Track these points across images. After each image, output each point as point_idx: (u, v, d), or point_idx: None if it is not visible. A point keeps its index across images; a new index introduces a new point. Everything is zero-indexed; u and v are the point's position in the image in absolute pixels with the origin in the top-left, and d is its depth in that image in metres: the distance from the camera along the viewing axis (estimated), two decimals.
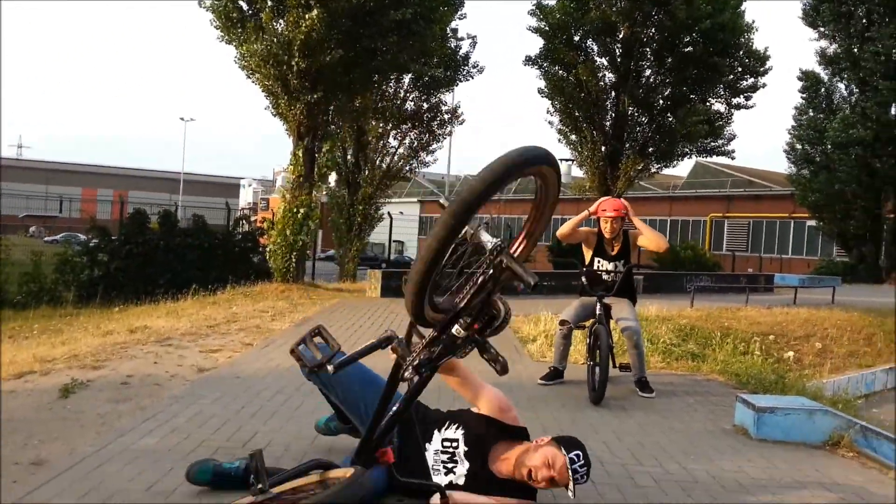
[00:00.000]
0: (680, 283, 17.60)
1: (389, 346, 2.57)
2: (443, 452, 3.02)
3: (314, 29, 12.59)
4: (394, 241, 26.36)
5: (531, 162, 2.23)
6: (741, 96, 22.25)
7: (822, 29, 29.67)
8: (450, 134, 24.54)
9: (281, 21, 13.35)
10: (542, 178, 2.39)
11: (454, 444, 3.00)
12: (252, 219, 22.99)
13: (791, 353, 9.81)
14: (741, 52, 21.48)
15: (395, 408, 2.70)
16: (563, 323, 5.85)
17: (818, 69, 30.07)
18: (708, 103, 21.94)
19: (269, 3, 13.37)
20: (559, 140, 23.26)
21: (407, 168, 23.83)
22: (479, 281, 2.34)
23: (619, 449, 4.23)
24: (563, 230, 5.85)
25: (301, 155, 13.91)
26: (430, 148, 23.67)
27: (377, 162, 22.77)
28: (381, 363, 2.85)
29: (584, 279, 5.95)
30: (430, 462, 3.03)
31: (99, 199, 52.67)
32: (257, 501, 2.45)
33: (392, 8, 13.26)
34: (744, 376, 6.55)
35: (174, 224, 17.71)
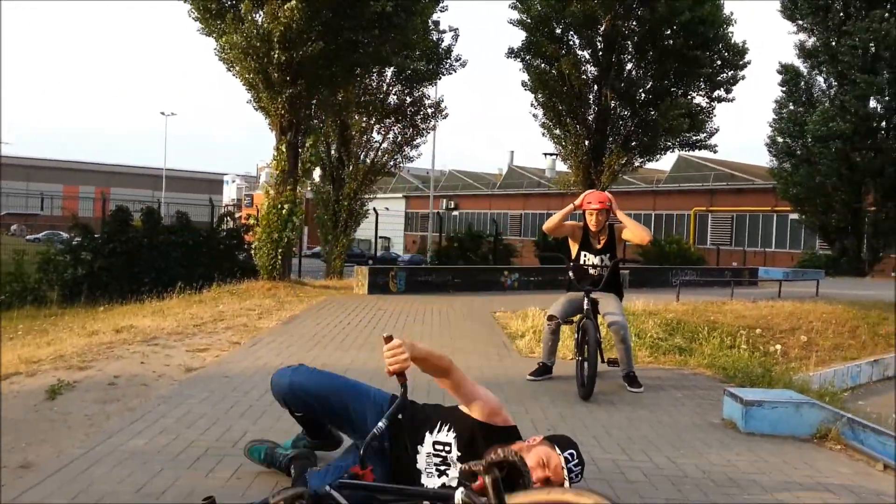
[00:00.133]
0: (665, 277, 17.71)
1: None
2: (435, 455, 2.99)
3: (294, 20, 12.50)
4: (380, 237, 26.36)
5: None
6: (721, 89, 22.40)
7: (800, 22, 29.86)
8: (433, 128, 24.52)
9: (260, 12, 13.25)
10: None
11: (446, 449, 2.98)
12: (237, 215, 22.87)
13: (778, 347, 9.90)
14: (720, 46, 21.62)
15: (380, 424, 2.65)
16: (550, 318, 5.87)
17: (797, 62, 30.31)
18: (689, 97, 22.06)
19: None
20: (543, 134, 23.32)
21: (391, 163, 23.74)
22: None
23: (608, 444, 4.25)
24: (548, 224, 5.87)
25: (284, 150, 13.82)
26: (414, 142, 23.61)
27: (361, 157, 22.68)
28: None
29: (570, 274, 5.96)
30: (423, 465, 3.00)
31: (81, 196, 52.09)
32: None
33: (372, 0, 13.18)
34: (731, 370, 6.59)
35: (158, 221, 17.58)
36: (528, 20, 21.67)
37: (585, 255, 5.90)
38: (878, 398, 9.61)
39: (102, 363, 5.80)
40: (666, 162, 45.83)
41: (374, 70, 20.25)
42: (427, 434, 3.02)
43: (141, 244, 16.36)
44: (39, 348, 6.81)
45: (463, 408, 3.08)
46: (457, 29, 22.33)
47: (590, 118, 22.11)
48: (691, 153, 30.19)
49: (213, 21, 13.61)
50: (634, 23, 21.25)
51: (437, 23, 21.74)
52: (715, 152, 24.50)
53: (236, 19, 13.12)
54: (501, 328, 8.90)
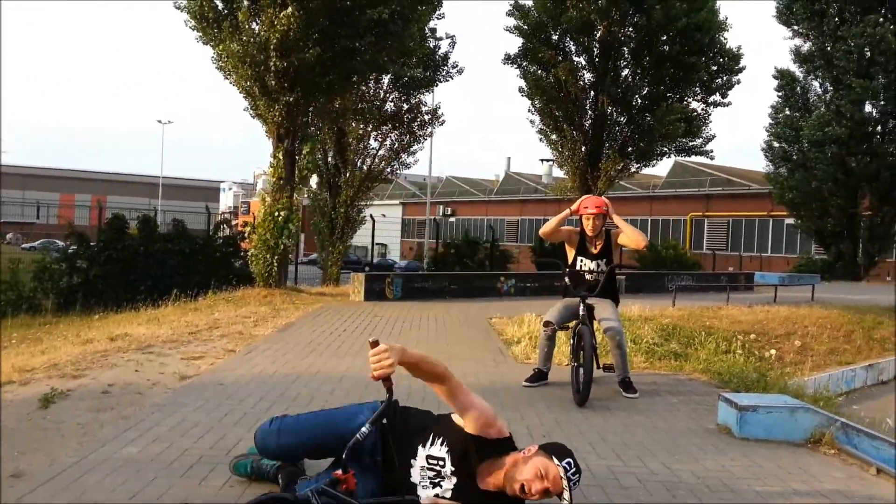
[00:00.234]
0: (661, 282, 17.74)
1: None
2: (429, 469, 2.97)
3: (290, 28, 12.54)
4: (377, 244, 26.34)
5: None
6: (717, 94, 22.49)
7: (795, 27, 30.01)
8: (430, 135, 24.55)
9: (257, 20, 13.27)
10: None
11: (440, 463, 2.96)
12: (233, 223, 22.87)
13: (773, 352, 9.90)
14: (715, 51, 21.72)
15: (363, 429, 2.64)
16: (546, 324, 5.87)
17: (793, 67, 30.42)
18: (685, 102, 22.14)
19: (246, 3, 13.28)
20: (540, 139, 23.37)
21: (388, 170, 23.78)
22: None
23: (603, 450, 4.25)
24: (545, 229, 5.88)
25: (281, 157, 13.82)
26: (411, 149, 23.65)
27: (358, 164, 22.71)
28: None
29: (567, 279, 5.96)
30: (417, 478, 2.98)
31: (77, 205, 52.16)
32: None
33: (369, 7, 13.21)
34: (726, 375, 6.59)
35: (154, 229, 17.56)
36: (525, 26, 21.76)
37: (582, 261, 5.90)
38: (873, 402, 9.62)
39: (96, 371, 5.79)
40: (662, 167, 46.06)
41: (371, 77, 20.29)
42: (420, 447, 3.00)
43: (137, 252, 16.33)
44: (33, 357, 6.79)
45: (456, 417, 3.04)
46: (453, 36, 22.42)
47: (586, 124, 22.19)
48: (687, 159, 30.24)
49: (210, 29, 13.63)
50: (630, 29, 21.34)
51: (433, 30, 21.81)
52: (711, 158, 24.60)
53: (233, 27, 13.14)
54: (497, 334, 8.90)
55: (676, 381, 6.52)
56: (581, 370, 5.35)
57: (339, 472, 2.45)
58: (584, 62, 22.00)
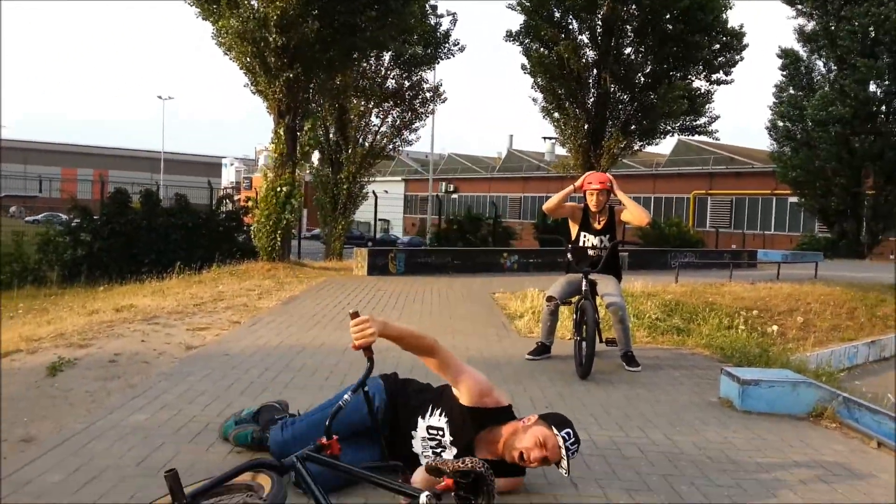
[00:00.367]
0: (664, 259, 17.75)
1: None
2: (430, 439, 3.04)
3: (290, 4, 12.44)
4: (379, 220, 26.35)
5: None
6: (720, 71, 22.35)
7: (799, 6, 29.82)
8: (432, 112, 24.51)
9: None
10: None
11: (440, 433, 3.02)
12: (235, 198, 22.87)
13: (775, 328, 9.93)
14: (718, 30, 21.55)
15: (345, 396, 2.65)
16: (549, 299, 5.89)
17: (797, 47, 30.25)
18: (688, 80, 22.01)
19: None
20: (543, 117, 23.26)
21: (390, 147, 23.78)
22: None
23: (606, 421, 4.28)
24: (548, 204, 5.88)
25: (282, 133, 13.80)
26: (413, 126, 23.66)
27: (360, 140, 22.69)
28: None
29: (569, 255, 5.98)
30: (419, 448, 3.06)
31: (79, 179, 52.04)
32: None
33: None
34: (728, 350, 6.62)
35: (156, 203, 17.59)
36: (527, 3, 21.53)
37: (585, 236, 5.91)
38: (875, 378, 9.67)
39: (103, 341, 5.83)
40: (666, 146, 45.88)
41: (372, 54, 20.20)
42: (420, 419, 3.06)
43: (140, 226, 16.38)
44: (40, 327, 6.83)
45: (454, 389, 3.07)
46: (455, 13, 22.34)
47: (589, 102, 22.04)
48: (691, 137, 30.16)
49: (210, 5, 13.53)
50: (634, 7, 21.14)
51: (434, 7, 21.67)
52: (716, 139, 24.52)
53: (232, 3, 13.05)
54: (500, 309, 8.93)
55: (679, 355, 6.55)
56: (584, 344, 5.37)
57: (324, 438, 2.48)
58: (586, 40, 21.80)
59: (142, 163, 73.03)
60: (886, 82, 27.53)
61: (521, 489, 3.09)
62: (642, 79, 21.86)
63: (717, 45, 21.91)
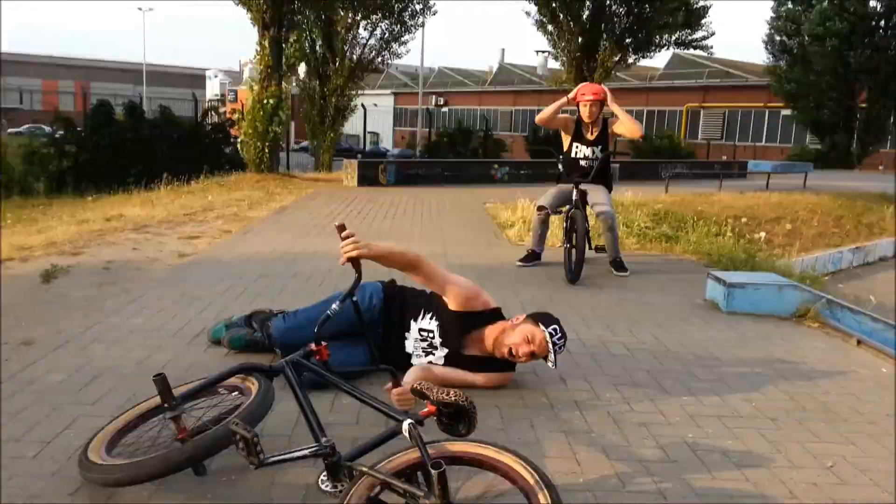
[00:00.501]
0: (655, 170, 17.70)
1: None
2: (421, 340, 3.18)
3: None
4: (369, 133, 26.07)
5: None
6: None
7: None
8: (422, 25, 23.94)
9: None
10: None
11: (430, 335, 3.15)
12: (221, 110, 22.48)
13: (763, 234, 10.03)
14: None
15: (333, 306, 2.67)
16: (540, 209, 5.92)
17: None
18: None
19: None
20: (536, 30, 22.80)
21: (379, 60, 23.32)
22: None
23: (594, 322, 4.38)
24: (541, 115, 5.83)
25: (267, 46, 13.48)
26: (402, 39, 23.16)
27: (347, 53, 22.20)
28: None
29: (560, 166, 5.98)
30: (411, 349, 3.20)
31: (60, 91, 50.89)
32: (167, 417, 2.21)
33: None
34: (716, 255, 6.71)
35: (141, 115, 17.31)
36: None
37: (577, 147, 5.89)
38: (860, 282, 9.83)
39: (94, 249, 5.85)
40: (660, 59, 45.01)
41: None
42: (412, 322, 3.20)
43: (125, 138, 16.16)
44: (30, 236, 6.82)
45: (444, 297, 3.16)
46: None
47: (584, 14, 21.56)
48: (686, 51, 29.69)
49: None
50: None
51: None
52: (711, 54, 24.12)
53: None
54: (492, 218, 8.96)
55: (667, 261, 6.64)
56: (574, 251, 5.44)
57: (312, 344, 2.53)
58: None
59: (124, 75, 71.09)
60: None
61: (510, 384, 3.20)
62: None
63: None
